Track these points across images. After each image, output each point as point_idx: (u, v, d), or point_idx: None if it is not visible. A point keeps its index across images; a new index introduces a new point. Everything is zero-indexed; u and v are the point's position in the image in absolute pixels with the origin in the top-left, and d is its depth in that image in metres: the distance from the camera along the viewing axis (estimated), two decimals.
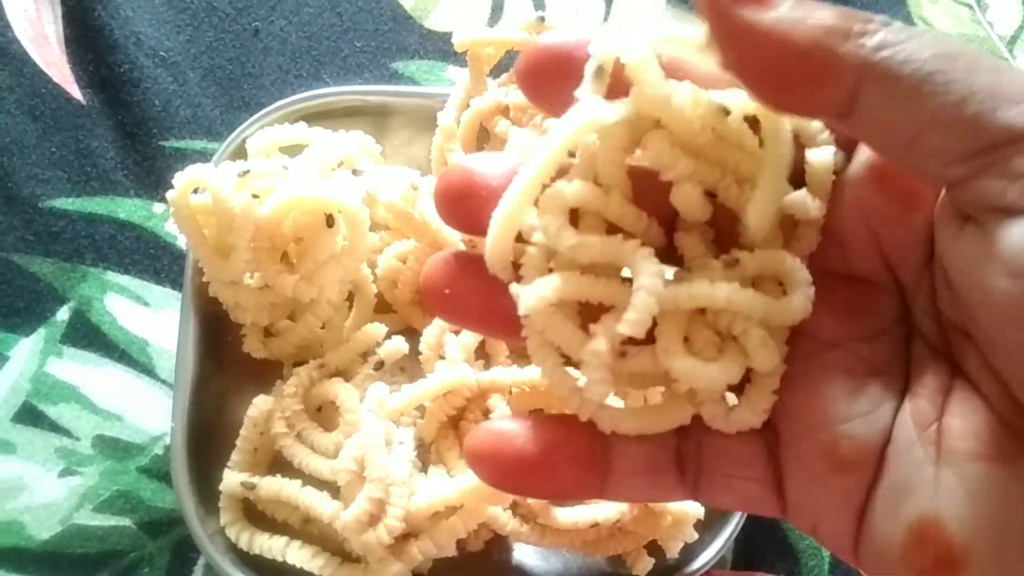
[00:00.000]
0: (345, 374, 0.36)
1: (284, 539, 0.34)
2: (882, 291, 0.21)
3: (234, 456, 0.35)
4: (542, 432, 0.22)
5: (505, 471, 0.22)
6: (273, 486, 0.33)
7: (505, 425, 0.22)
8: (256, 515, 0.35)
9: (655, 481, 0.22)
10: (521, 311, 0.20)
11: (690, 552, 0.36)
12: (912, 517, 0.19)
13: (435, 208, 0.23)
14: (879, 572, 0.21)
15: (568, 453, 0.22)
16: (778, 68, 0.18)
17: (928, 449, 0.20)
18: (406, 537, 0.32)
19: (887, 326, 0.21)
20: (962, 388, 0.20)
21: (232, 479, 0.34)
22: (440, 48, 0.48)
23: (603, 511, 0.34)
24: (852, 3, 0.50)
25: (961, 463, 0.19)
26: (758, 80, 0.19)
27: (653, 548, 0.35)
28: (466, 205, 0.22)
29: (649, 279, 0.20)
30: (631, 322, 0.19)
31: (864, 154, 0.21)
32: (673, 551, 0.35)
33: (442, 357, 0.35)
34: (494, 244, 0.21)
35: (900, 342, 0.21)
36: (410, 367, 0.37)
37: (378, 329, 0.37)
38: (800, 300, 0.21)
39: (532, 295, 0.20)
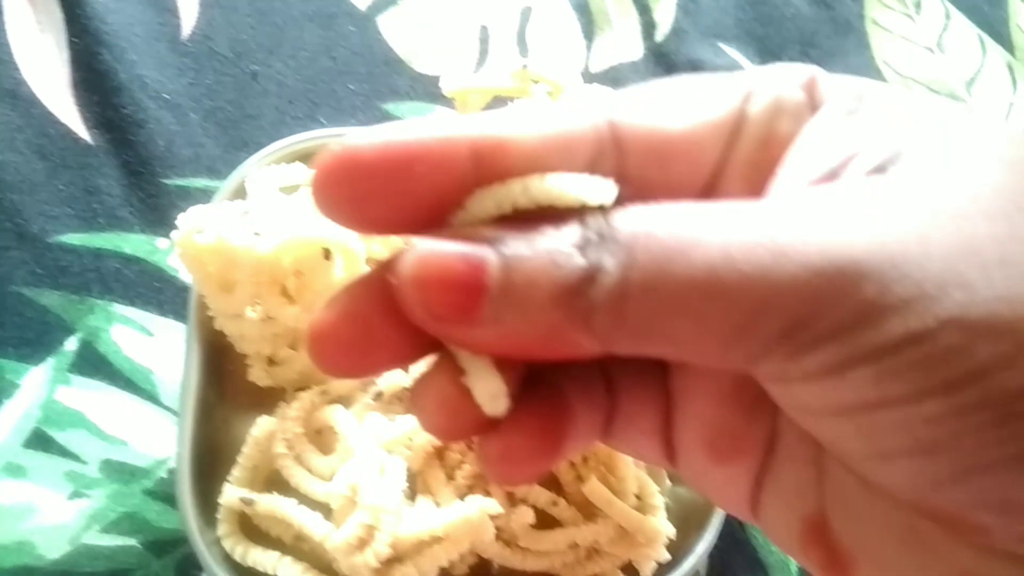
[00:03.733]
0: (345, 401, 0.38)
1: (276, 554, 0.35)
2: None
3: (235, 471, 0.37)
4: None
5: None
6: (270, 503, 0.35)
7: None
8: (251, 528, 0.37)
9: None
10: None
11: (666, 568, 0.38)
12: (806, 514, 0.19)
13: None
14: (787, 552, 0.20)
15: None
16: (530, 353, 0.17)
17: (813, 449, 0.19)
18: (391, 562, 0.34)
19: None
20: None
21: (231, 493, 0.36)
22: (429, 90, 0.50)
23: (580, 534, 0.36)
24: (815, 47, 0.53)
25: (837, 469, 0.18)
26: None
27: (628, 568, 0.37)
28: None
29: None
30: None
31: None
32: (646, 571, 0.37)
33: None
34: None
35: None
36: (406, 397, 0.39)
37: None
38: None
39: None
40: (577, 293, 0.15)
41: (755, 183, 0.18)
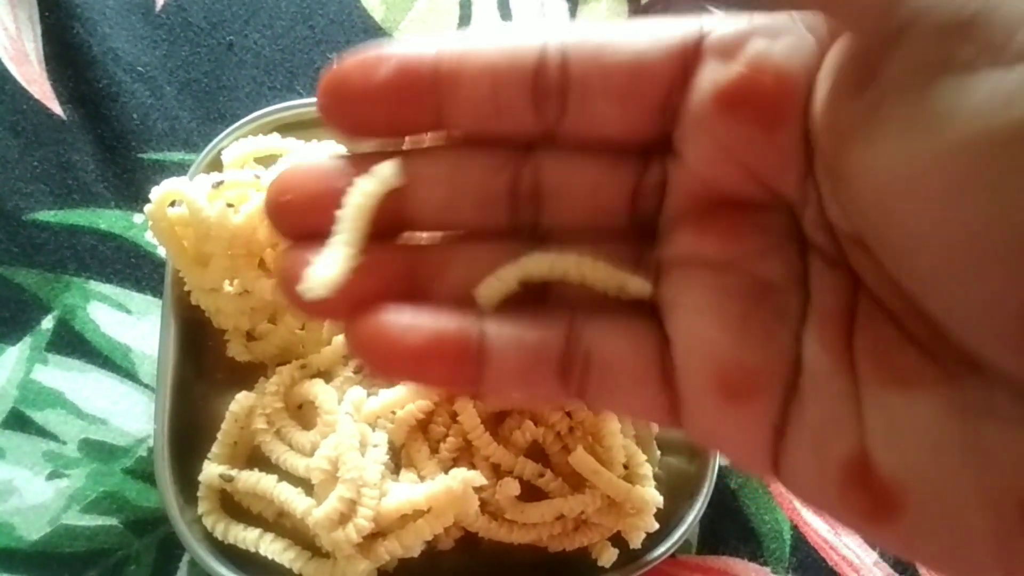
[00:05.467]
0: (326, 375, 0.37)
1: (258, 531, 0.35)
2: (767, 209, 0.19)
3: (214, 449, 0.36)
4: (420, 328, 0.20)
5: (384, 360, 0.20)
6: (250, 480, 0.35)
7: (390, 318, 0.20)
8: (232, 506, 0.37)
9: (533, 385, 0.20)
10: None
11: (655, 538, 0.37)
12: (843, 455, 0.17)
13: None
14: (817, 504, 0.19)
15: (443, 349, 0.20)
16: None
17: (847, 379, 0.17)
18: (374, 536, 0.34)
19: (777, 242, 0.19)
20: (866, 305, 0.18)
21: (211, 470, 0.36)
22: None
23: (567, 505, 0.35)
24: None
25: (877, 392, 0.17)
26: None
27: (617, 539, 0.37)
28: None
29: None
30: None
31: (707, 85, 0.19)
32: (635, 541, 0.36)
33: None
34: None
35: (795, 259, 0.19)
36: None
37: None
38: None
39: None
40: None
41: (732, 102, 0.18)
